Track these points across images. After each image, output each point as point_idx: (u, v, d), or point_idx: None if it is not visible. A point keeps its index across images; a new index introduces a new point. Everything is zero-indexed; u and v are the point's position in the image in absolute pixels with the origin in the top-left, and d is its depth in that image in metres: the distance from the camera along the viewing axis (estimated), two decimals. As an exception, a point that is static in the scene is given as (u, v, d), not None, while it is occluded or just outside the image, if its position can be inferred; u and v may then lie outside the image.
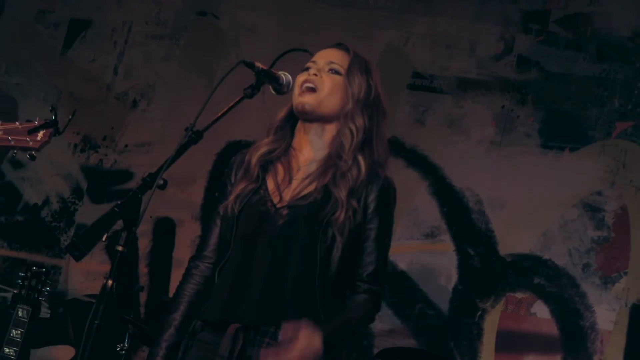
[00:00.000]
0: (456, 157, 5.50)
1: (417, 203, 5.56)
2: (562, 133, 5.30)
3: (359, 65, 3.34)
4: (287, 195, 3.25)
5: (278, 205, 3.22)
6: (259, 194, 3.25)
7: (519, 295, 5.31)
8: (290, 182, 3.28)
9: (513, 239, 5.34)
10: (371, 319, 3.23)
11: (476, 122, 5.48)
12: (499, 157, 5.41)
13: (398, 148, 5.55)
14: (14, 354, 5.36)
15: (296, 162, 3.33)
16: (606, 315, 5.10)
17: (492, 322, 5.36)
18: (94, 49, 6.57)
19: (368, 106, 3.32)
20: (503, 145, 5.39)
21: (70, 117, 3.54)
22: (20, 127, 3.53)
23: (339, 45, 3.43)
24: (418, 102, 5.61)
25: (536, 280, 5.26)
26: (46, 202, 6.64)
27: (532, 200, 5.28)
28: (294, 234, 3.18)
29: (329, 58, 3.35)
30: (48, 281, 5.58)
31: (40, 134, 3.55)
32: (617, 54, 5.26)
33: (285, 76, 3.29)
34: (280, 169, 3.31)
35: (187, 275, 3.32)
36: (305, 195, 3.21)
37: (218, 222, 3.31)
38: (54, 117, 3.53)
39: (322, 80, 3.28)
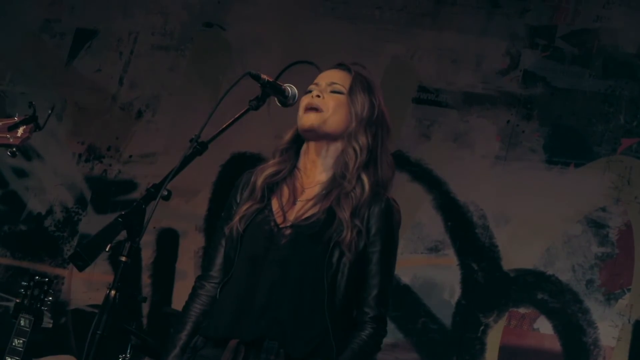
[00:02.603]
0: (461, 172, 5.52)
1: (421, 217, 5.57)
2: (567, 149, 5.33)
3: (360, 84, 3.35)
4: (291, 215, 3.25)
5: (281, 225, 3.22)
6: (264, 214, 3.26)
7: (522, 310, 5.31)
8: (294, 203, 3.29)
9: (517, 254, 5.36)
10: (379, 348, 3.25)
11: (481, 137, 5.50)
12: (504, 172, 5.43)
13: (403, 162, 5.57)
14: (16, 364, 5.41)
15: (300, 183, 3.33)
16: (609, 332, 5.11)
17: (494, 337, 5.36)
18: (99, 59, 6.57)
19: (372, 124, 3.31)
20: (508, 160, 5.41)
21: (49, 111, 3.48)
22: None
23: (340, 66, 3.42)
24: (423, 116, 5.63)
25: (539, 296, 5.27)
26: (50, 211, 6.63)
27: (536, 215, 5.30)
28: (297, 253, 3.19)
29: (330, 79, 3.34)
30: (50, 291, 5.55)
31: (20, 130, 3.47)
32: (623, 70, 5.28)
33: (291, 88, 3.29)
34: (285, 190, 3.32)
35: (193, 294, 3.32)
36: (308, 217, 3.21)
37: (223, 242, 3.31)
38: (33, 112, 3.48)
39: (325, 101, 3.28)
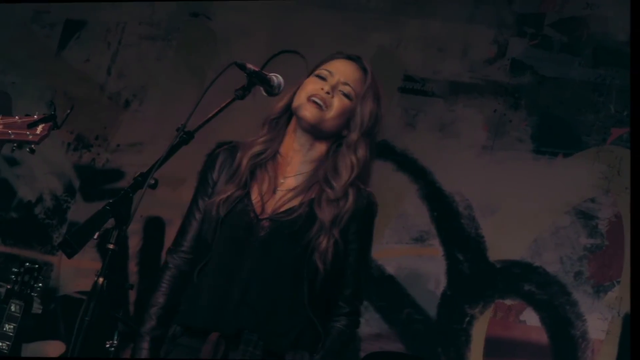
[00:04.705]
0: (447, 161, 4.76)
1: (406, 207, 4.83)
2: (555, 138, 4.55)
3: (373, 92, 2.94)
4: (270, 206, 2.88)
5: (260, 217, 2.85)
6: (244, 202, 2.88)
7: (508, 302, 4.59)
8: (274, 192, 2.91)
9: (503, 245, 4.61)
10: (353, 340, 3.00)
11: (468, 126, 4.72)
12: (491, 161, 4.67)
13: (388, 151, 4.83)
14: (6, 348, 4.96)
15: (282, 171, 2.94)
16: (598, 325, 4.39)
17: (480, 329, 4.64)
18: (88, 49, 5.80)
19: (373, 135, 2.94)
20: (495, 150, 4.67)
21: (68, 111, 3.18)
22: (19, 121, 3.21)
23: (357, 60, 2.96)
24: (409, 105, 4.87)
25: (526, 288, 4.54)
26: (40, 199, 5.92)
27: (524, 206, 4.55)
28: (275, 249, 2.84)
29: (345, 77, 2.90)
30: (40, 277, 5.11)
31: (39, 128, 3.25)
32: (613, 58, 4.49)
33: (276, 78, 2.88)
34: (265, 177, 2.93)
35: (165, 268, 2.98)
36: (287, 210, 2.85)
37: (197, 216, 2.96)
38: (53, 112, 3.21)
39: (332, 101, 2.86)
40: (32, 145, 3.23)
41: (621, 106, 4.44)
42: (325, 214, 2.83)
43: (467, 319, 4.66)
